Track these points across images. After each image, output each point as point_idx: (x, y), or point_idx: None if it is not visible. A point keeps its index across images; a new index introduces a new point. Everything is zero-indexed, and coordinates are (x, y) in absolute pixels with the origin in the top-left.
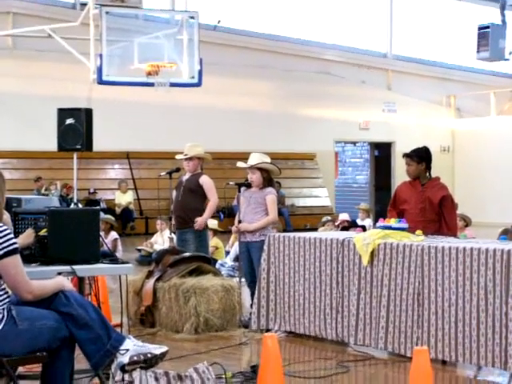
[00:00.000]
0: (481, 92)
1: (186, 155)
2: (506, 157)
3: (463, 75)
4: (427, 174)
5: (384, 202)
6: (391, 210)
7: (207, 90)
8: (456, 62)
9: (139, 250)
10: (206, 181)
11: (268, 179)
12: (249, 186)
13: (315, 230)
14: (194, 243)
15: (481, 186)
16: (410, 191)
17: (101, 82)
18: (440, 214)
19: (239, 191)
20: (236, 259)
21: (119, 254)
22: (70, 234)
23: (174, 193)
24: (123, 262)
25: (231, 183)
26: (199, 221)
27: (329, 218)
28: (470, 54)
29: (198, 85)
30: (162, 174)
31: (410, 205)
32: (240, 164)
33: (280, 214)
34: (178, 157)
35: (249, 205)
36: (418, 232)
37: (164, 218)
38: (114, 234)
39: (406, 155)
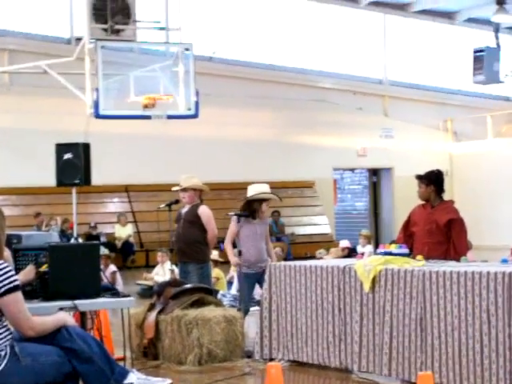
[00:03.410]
0: (477, 115)
1: (180, 187)
2: (504, 179)
3: (459, 99)
4: (438, 197)
5: (383, 228)
6: (401, 232)
7: (205, 122)
8: (452, 86)
9: (139, 284)
10: (203, 212)
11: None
12: (248, 216)
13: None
14: (197, 275)
15: (480, 209)
16: (420, 213)
17: (98, 116)
18: (447, 237)
19: (238, 221)
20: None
21: (119, 287)
22: (70, 269)
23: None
24: (124, 296)
25: (231, 214)
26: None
27: (322, 251)
28: (465, 78)
29: (195, 116)
30: (161, 206)
31: (418, 227)
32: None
33: (280, 242)
34: (173, 189)
35: (256, 235)
36: (419, 257)
37: (164, 250)
38: (112, 267)
39: (416, 177)
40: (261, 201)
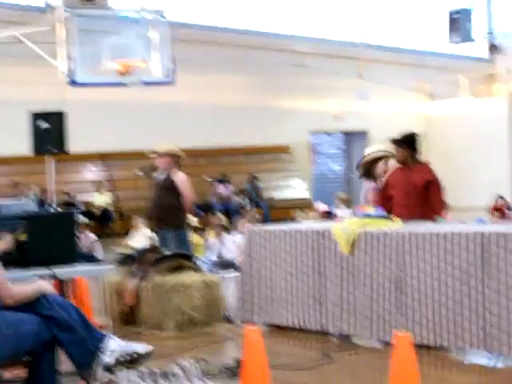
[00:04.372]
0: (453, 77)
1: (156, 153)
2: (479, 139)
3: (434, 60)
4: (414, 159)
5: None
6: (379, 195)
7: (181, 88)
8: (427, 48)
9: (119, 253)
10: (179, 178)
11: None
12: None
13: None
14: (174, 241)
15: (456, 170)
16: (397, 176)
17: (73, 84)
18: (425, 198)
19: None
20: (219, 256)
21: (99, 255)
22: (48, 237)
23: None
24: (104, 263)
25: (208, 179)
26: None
27: (300, 213)
28: (440, 39)
29: (171, 82)
30: (139, 173)
31: (396, 189)
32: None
33: (259, 207)
34: (149, 155)
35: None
36: (395, 219)
37: (142, 216)
38: (91, 236)
39: (392, 141)
40: (375, 161)
